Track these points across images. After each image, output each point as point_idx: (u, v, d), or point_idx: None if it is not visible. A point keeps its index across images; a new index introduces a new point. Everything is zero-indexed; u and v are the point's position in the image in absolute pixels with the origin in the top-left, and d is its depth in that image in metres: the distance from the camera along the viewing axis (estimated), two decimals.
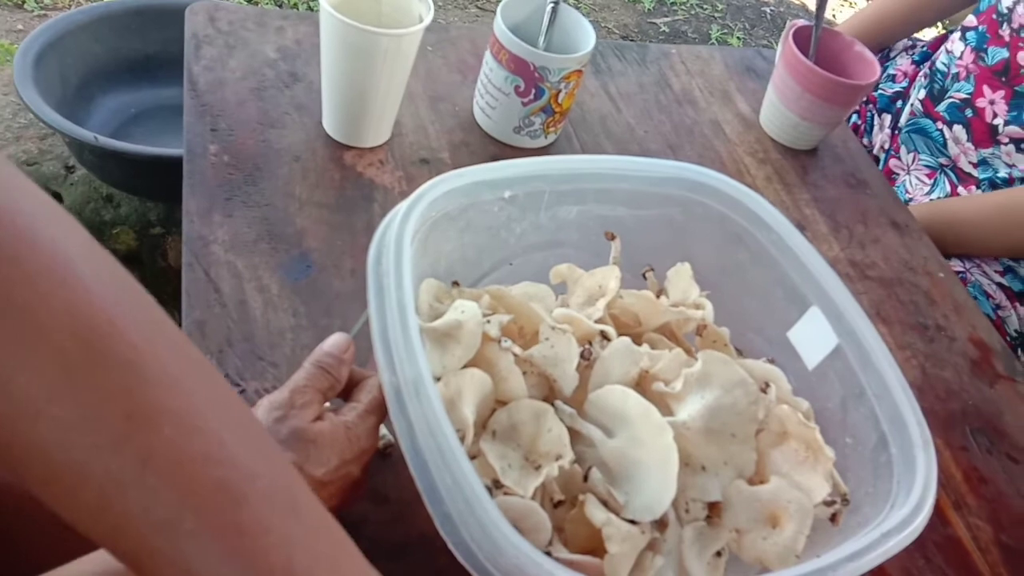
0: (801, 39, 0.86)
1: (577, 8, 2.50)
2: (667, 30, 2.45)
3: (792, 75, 0.84)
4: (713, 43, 2.44)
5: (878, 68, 0.86)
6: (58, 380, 0.25)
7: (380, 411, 0.46)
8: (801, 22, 0.88)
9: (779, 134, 0.88)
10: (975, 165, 0.96)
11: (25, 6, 1.84)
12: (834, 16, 2.72)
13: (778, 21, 2.65)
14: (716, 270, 0.56)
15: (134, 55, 1.48)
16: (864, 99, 1.14)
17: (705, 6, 2.60)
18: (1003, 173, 0.95)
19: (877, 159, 1.07)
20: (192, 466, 0.27)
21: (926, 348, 0.73)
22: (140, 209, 1.43)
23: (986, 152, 0.94)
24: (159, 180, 1.30)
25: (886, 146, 1.08)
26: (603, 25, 2.38)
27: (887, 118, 1.10)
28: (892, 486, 0.45)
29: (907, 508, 0.42)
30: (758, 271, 0.55)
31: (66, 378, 0.26)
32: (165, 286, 1.23)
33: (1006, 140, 0.93)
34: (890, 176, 1.05)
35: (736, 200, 0.56)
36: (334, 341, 0.47)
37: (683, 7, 2.57)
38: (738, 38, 2.52)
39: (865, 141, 1.11)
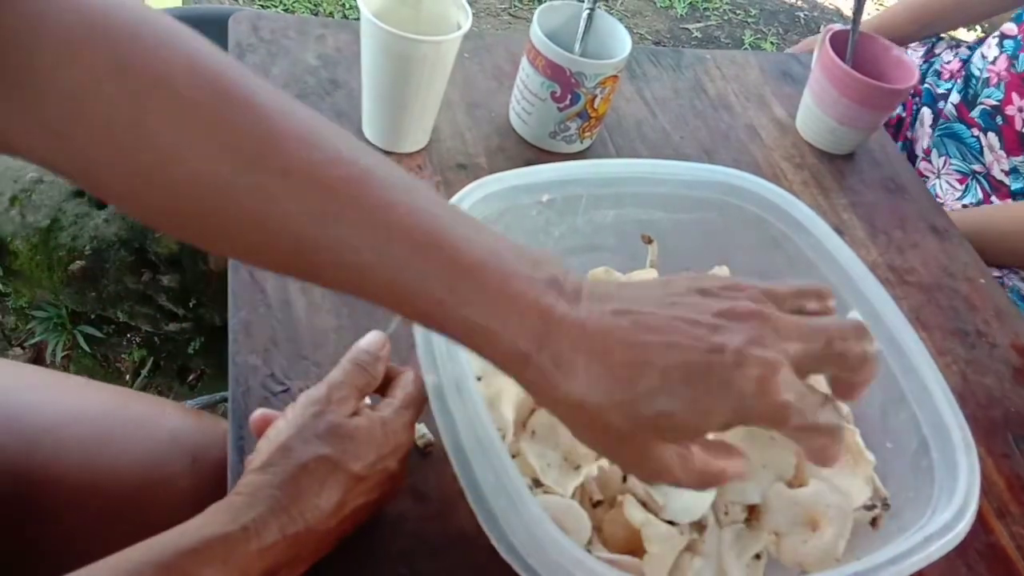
0: (838, 43, 0.86)
1: (609, 14, 2.50)
2: (700, 35, 2.45)
3: (829, 79, 0.84)
4: (747, 48, 2.43)
5: (916, 72, 0.85)
6: (193, 124, 0.32)
7: (416, 406, 0.47)
8: (838, 26, 0.88)
9: (816, 139, 0.88)
10: (1007, 173, 0.95)
11: None
12: (869, 15, 2.69)
13: (812, 26, 2.63)
14: (753, 274, 0.56)
15: None
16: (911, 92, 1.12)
17: (738, 11, 2.59)
18: None
19: (916, 157, 1.06)
20: (322, 168, 0.33)
21: (967, 354, 0.72)
22: None
23: (1017, 160, 0.93)
24: None
25: (924, 145, 1.07)
26: (636, 31, 2.38)
27: (928, 114, 1.09)
28: (934, 491, 0.45)
29: (949, 513, 0.42)
30: (796, 275, 0.55)
31: (199, 121, 0.32)
32: (206, 289, 1.25)
33: None
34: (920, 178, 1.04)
35: (773, 203, 0.56)
36: (370, 339, 0.48)
37: (716, 12, 2.56)
38: (771, 43, 2.50)
39: (909, 134, 1.10)
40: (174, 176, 0.32)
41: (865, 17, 0.91)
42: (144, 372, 1.28)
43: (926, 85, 1.10)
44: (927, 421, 0.47)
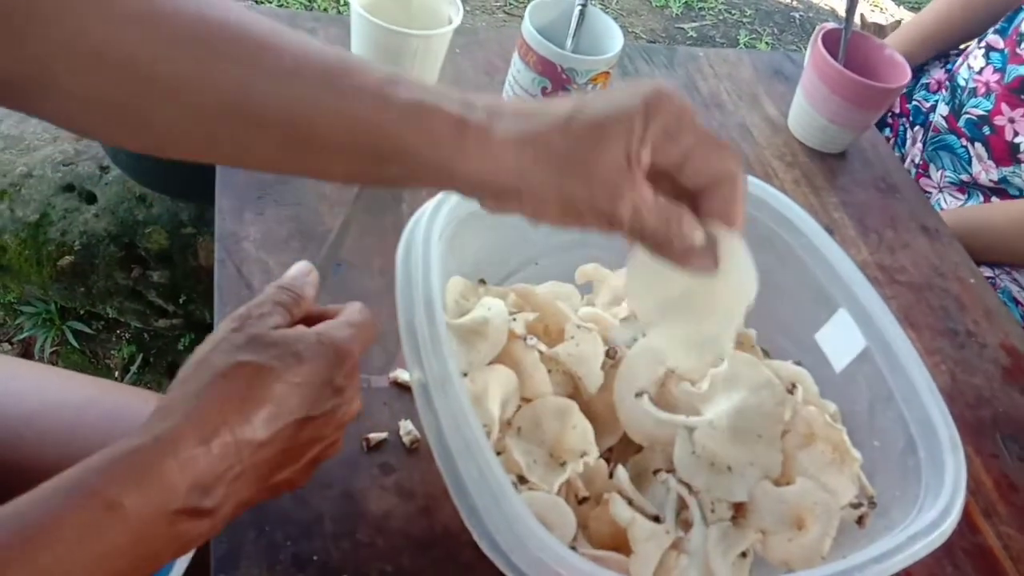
0: (830, 42, 0.86)
1: (604, 12, 2.50)
2: (695, 35, 2.45)
3: (821, 78, 0.84)
4: (741, 48, 2.43)
5: (908, 72, 0.85)
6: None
7: (363, 325, 0.43)
8: (830, 25, 0.88)
9: (808, 137, 0.88)
10: (995, 183, 0.95)
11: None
12: (863, 17, 2.70)
13: (807, 26, 2.63)
14: None
15: None
16: (897, 111, 1.13)
17: (733, 11, 2.59)
18: None
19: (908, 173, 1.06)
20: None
21: (956, 354, 0.72)
22: (172, 209, 1.46)
23: (1007, 170, 0.93)
24: (191, 180, 1.32)
25: (917, 160, 1.07)
26: (631, 30, 2.38)
27: (919, 131, 1.09)
28: (920, 490, 0.45)
29: (935, 511, 0.42)
30: (786, 273, 0.55)
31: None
32: (196, 285, 1.25)
33: None
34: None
35: (764, 202, 0.56)
36: (294, 268, 0.45)
37: (711, 12, 2.56)
38: (767, 43, 2.50)
39: (897, 154, 1.10)
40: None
41: (859, 19, 0.91)
42: (133, 368, 1.27)
43: (914, 103, 1.10)
44: (914, 420, 0.47)
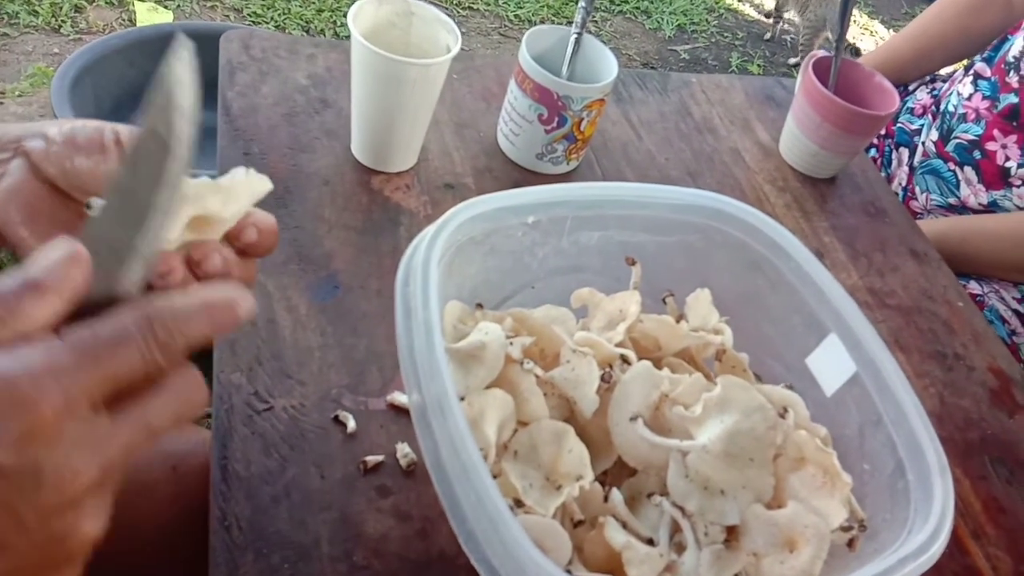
0: (821, 69, 0.88)
1: (599, 36, 2.54)
2: (688, 57, 2.48)
3: (811, 105, 0.85)
4: (733, 70, 2.46)
5: (897, 99, 0.87)
6: None
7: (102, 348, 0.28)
8: (821, 52, 0.90)
9: (798, 162, 0.89)
10: (984, 207, 0.97)
11: (61, 30, 1.90)
12: (853, 40, 2.74)
13: (797, 49, 2.66)
14: (735, 296, 0.57)
15: None
16: (883, 133, 1.15)
17: (725, 34, 2.63)
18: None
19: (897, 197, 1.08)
20: None
21: (945, 377, 0.73)
22: None
23: (997, 194, 0.95)
24: None
25: (903, 183, 1.09)
26: (624, 52, 2.41)
27: (904, 153, 1.11)
28: (909, 513, 0.45)
29: (924, 534, 0.43)
30: (777, 298, 0.56)
31: None
32: None
33: (1019, 183, 0.94)
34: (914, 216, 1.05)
35: (755, 228, 0.57)
36: (48, 256, 0.29)
37: (704, 35, 2.59)
38: (758, 66, 2.54)
39: (883, 174, 1.12)
40: None
41: (867, 48, 0.94)
42: None
43: (899, 124, 1.12)
44: (903, 443, 0.48)
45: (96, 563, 0.34)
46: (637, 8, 2.58)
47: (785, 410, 0.49)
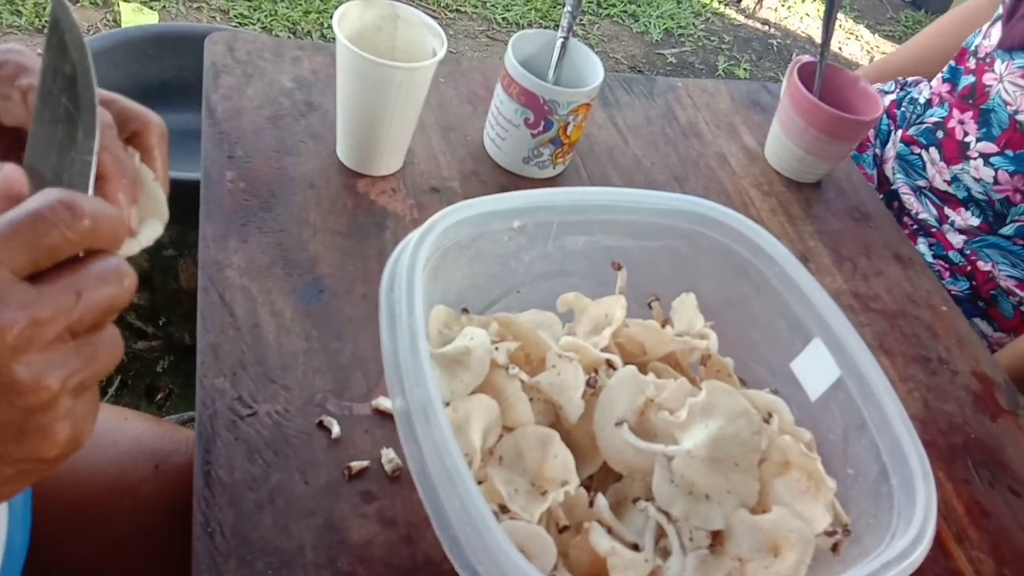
0: (805, 74, 0.88)
1: (586, 39, 2.54)
2: (675, 61, 2.48)
3: (796, 110, 0.86)
4: (720, 74, 2.47)
5: (880, 104, 0.88)
6: None
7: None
8: (806, 58, 0.90)
9: (783, 167, 0.90)
10: (948, 183, 0.99)
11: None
12: (840, 49, 2.76)
13: (784, 53, 2.68)
14: (720, 301, 0.58)
15: (150, 80, 1.51)
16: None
17: (712, 38, 2.64)
18: (974, 189, 0.97)
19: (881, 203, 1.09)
20: None
21: (928, 381, 0.73)
22: None
23: (956, 168, 0.98)
24: (172, 203, 1.32)
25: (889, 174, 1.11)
26: (611, 56, 2.41)
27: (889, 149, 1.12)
28: (893, 517, 0.46)
29: (907, 539, 0.43)
30: (762, 303, 0.56)
31: None
32: (177, 307, 1.24)
33: (975, 155, 0.96)
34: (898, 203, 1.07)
35: (740, 233, 0.57)
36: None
37: (691, 39, 2.60)
38: (745, 70, 2.55)
39: (871, 172, 1.13)
40: None
41: (852, 53, 0.95)
42: (111, 391, 1.26)
43: (901, 109, 1.14)
44: (886, 448, 0.48)
45: (81, 565, 0.34)
46: (624, 12, 2.58)
47: (770, 415, 0.49)
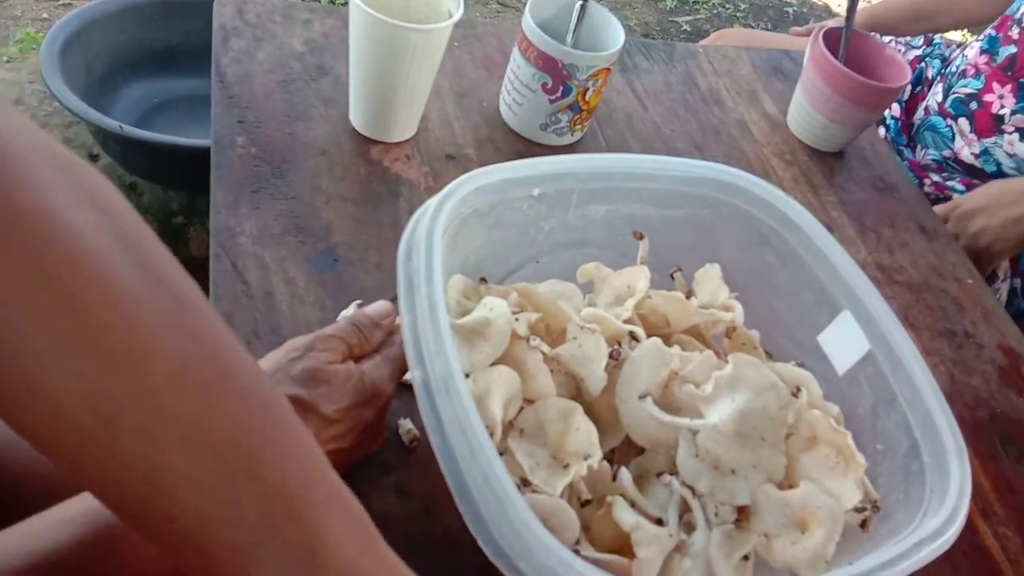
0: (831, 40, 0.85)
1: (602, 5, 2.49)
2: (689, 28, 2.44)
3: (821, 76, 0.83)
4: None
5: (908, 71, 0.85)
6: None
7: (398, 361, 0.47)
8: (831, 23, 0.88)
9: (806, 135, 0.87)
10: (976, 156, 0.97)
11: None
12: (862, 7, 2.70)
13: (800, 21, 2.63)
14: (744, 271, 0.56)
15: (158, 45, 1.49)
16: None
17: (727, 5, 2.59)
18: (1006, 164, 0.95)
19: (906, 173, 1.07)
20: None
21: (954, 355, 0.72)
22: (162, 199, 1.44)
23: (988, 142, 0.96)
24: (182, 170, 1.30)
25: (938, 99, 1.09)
26: (625, 23, 2.37)
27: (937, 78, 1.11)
28: (924, 494, 0.45)
29: (940, 517, 0.42)
30: (787, 273, 0.55)
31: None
32: None
33: (1011, 129, 0.94)
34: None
35: (765, 201, 0.55)
36: (377, 306, 0.49)
37: (705, 5, 2.55)
38: None
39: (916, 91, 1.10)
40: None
41: (862, 5, 0.93)
42: None
43: (923, 65, 1.11)
44: (918, 423, 0.47)
45: None
46: None
47: (798, 389, 0.48)
